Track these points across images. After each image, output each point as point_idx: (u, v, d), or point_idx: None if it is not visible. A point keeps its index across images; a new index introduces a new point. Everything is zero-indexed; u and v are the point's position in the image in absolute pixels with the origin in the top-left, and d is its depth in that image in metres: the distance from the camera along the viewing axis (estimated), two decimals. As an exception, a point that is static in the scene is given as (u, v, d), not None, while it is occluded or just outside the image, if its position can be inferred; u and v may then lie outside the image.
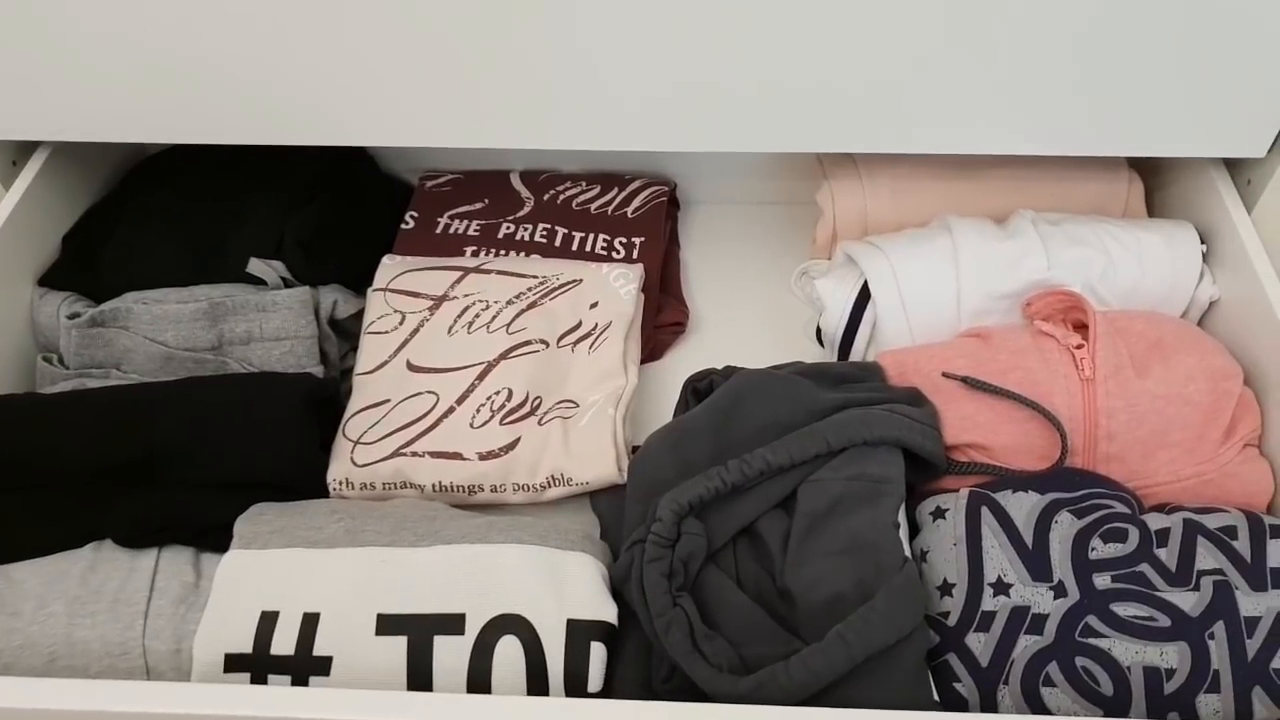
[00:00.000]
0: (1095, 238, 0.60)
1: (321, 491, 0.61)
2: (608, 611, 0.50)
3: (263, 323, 0.64)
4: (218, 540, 0.57)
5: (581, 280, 0.68)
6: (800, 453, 0.53)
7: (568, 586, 0.51)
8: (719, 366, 0.63)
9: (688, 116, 0.63)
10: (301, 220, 0.68)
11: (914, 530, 0.55)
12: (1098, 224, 0.62)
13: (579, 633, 0.49)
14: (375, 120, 0.64)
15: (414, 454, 0.61)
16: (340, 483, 0.61)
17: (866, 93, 0.61)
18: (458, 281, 0.68)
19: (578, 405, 0.63)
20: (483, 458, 0.61)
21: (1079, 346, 0.54)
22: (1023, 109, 0.61)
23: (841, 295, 0.65)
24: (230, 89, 0.62)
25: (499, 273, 0.68)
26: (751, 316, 0.75)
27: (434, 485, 0.60)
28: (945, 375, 0.58)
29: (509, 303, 0.67)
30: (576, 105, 0.62)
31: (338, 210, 0.70)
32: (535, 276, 0.68)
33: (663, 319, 0.71)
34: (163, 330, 0.63)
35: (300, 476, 0.60)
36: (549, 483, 0.60)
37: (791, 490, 0.54)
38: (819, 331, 0.71)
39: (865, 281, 0.64)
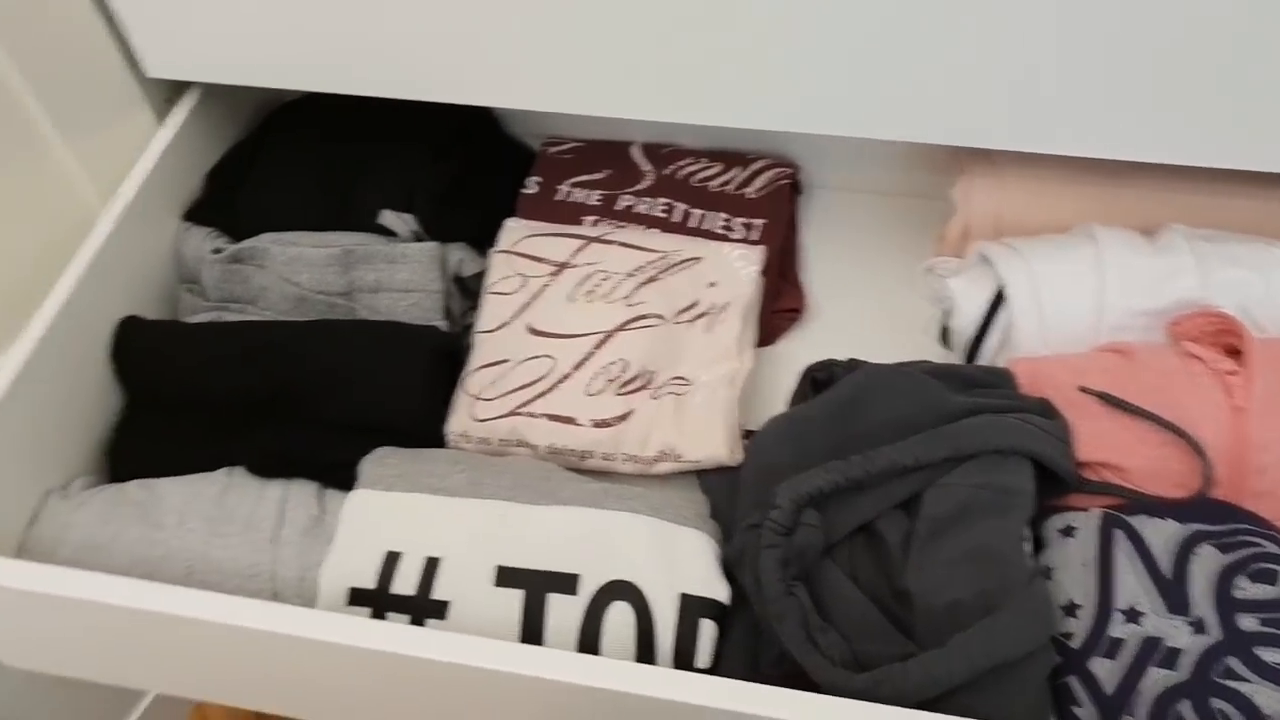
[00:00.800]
0: (1254, 260, 0.58)
1: (439, 442, 0.63)
2: (720, 590, 0.51)
3: (392, 273, 0.66)
4: (340, 478, 0.60)
5: (702, 258, 0.68)
6: (927, 455, 0.53)
7: (681, 561, 0.52)
8: (836, 357, 0.63)
9: (819, 98, 0.62)
10: (434, 177, 0.69)
11: (1037, 545, 0.54)
12: (1257, 245, 0.59)
13: (691, 608, 0.50)
14: (509, 82, 0.65)
15: (530, 414, 0.62)
16: (459, 435, 0.63)
17: (1011, 86, 0.59)
18: (580, 249, 0.69)
19: (690, 383, 0.64)
20: (596, 425, 0.62)
21: (1232, 373, 0.52)
22: (1178, 114, 0.58)
23: (975, 297, 0.64)
24: (372, 42, 0.63)
25: (621, 244, 0.69)
26: (869, 309, 0.74)
27: (548, 447, 0.62)
28: (1082, 389, 0.57)
29: (629, 275, 0.67)
30: (705, 79, 0.62)
31: (467, 169, 0.72)
32: (656, 251, 0.68)
33: (780, 304, 0.71)
34: (297, 272, 0.65)
35: (422, 425, 0.62)
36: (659, 456, 0.61)
37: (914, 492, 0.54)
38: (943, 331, 0.71)
39: (1001, 285, 0.63)
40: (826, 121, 0.64)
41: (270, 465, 0.60)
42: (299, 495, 0.59)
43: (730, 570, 0.53)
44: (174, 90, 0.71)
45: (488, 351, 0.65)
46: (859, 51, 0.59)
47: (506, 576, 0.51)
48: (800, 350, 0.70)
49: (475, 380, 0.64)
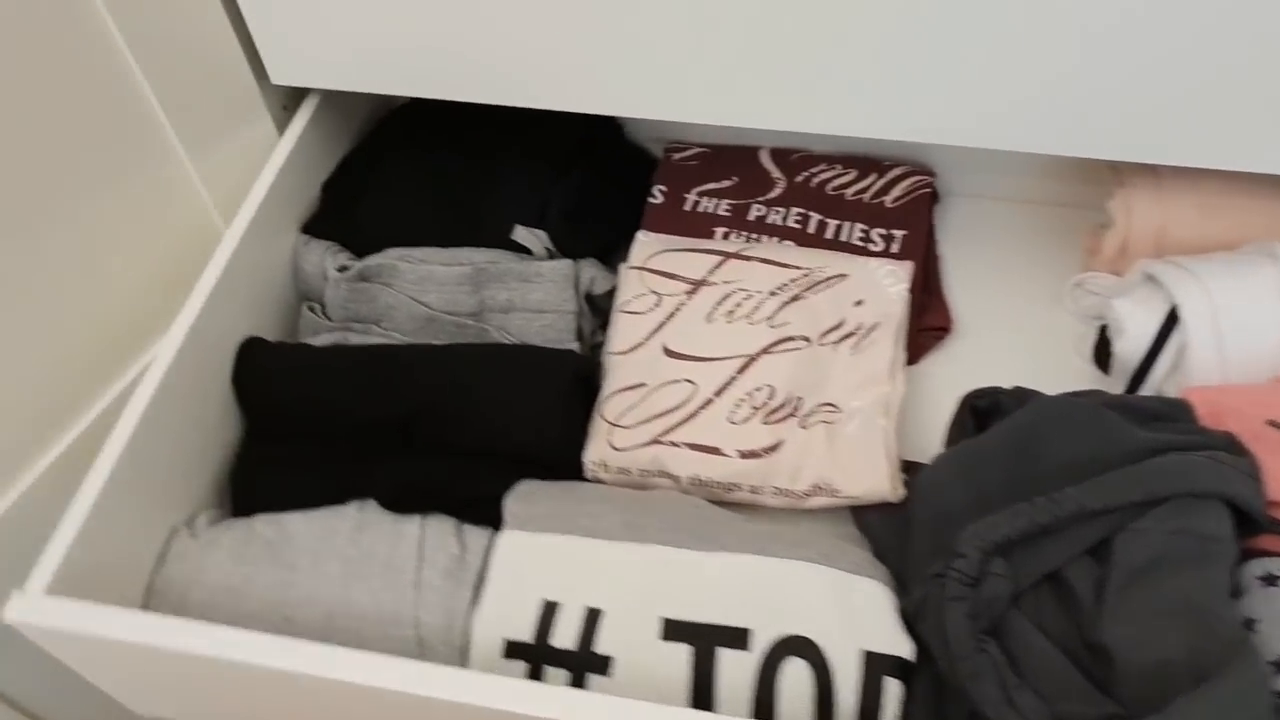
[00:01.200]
0: None
1: (576, 470, 0.60)
2: (904, 646, 0.48)
3: (525, 293, 0.63)
4: (477, 512, 0.57)
5: (848, 275, 0.64)
6: (1118, 498, 0.49)
7: (860, 614, 0.48)
8: (993, 381, 0.59)
9: (963, 108, 0.58)
10: (565, 190, 0.66)
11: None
12: None
13: (874, 666, 0.47)
14: (638, 91, 0.61)
15: (672, 443, 0.59)
16: (597, 465, 0.59)
17: (1173, 98, 0.55)
18: (717, 266, 0.65)
19: (840, 410, 0.60)
20: (743, 455, 0.58)
21: None
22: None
23: (1144, 320, 0.60)
24: (498, 49, 0.60)
25: (761, 260, 0.65)
26: (1013, 325, 0.70)
27: (690, 478, 0.59)
28: (1271, 423, 0.53)
29: (771, 294, 0.63)
30: (839, 88, 0.58)
31: (595, 179, 0.68)
32: (799, 268, 0.64)
33: (926, 322, 0.67)
34: (426, 291, 0.63)
35: (562, 454, 0.59)
36: (812, 490, 0.58)
37: (1102, 537, 0.50)
38: (1096, 351, 0.66)
39: (1174, 307, 0.59)
40: (981, 135, 0.60)
41: (404, 499, 0.57)
42: (437, 532, 0.56)
43: (909, 622, 0.49)
44: (290, 98, 0.68)
45: (623, 374, 0.62)
46: (1006, 61, 0.55)
47: (674, 630, 0.48)
48: (945, 370, 0.66)
49: (612, 406, 0.61)
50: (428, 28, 0.59)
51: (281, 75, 0.64)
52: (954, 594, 0.48)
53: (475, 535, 0.57)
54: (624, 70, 0.60)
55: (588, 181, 0.67)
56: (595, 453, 0.60)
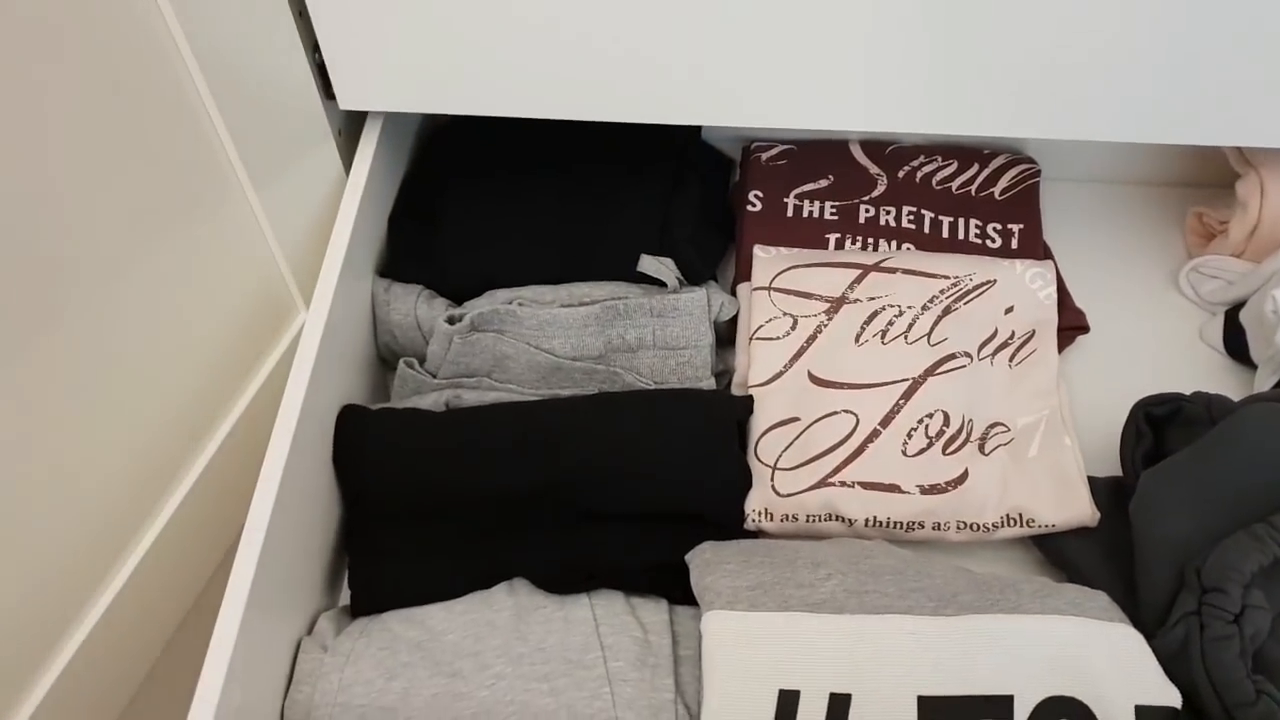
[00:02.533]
0: None
1: (737, 522, 0.54)
2: (1173, 695, 0.44)
3: (657, 329, 0.56)
4: (643, 580, 0.51)
5: (995, 281, 0.60)
6: (1367, 510, 0.47)
7: (1124, 665, 0.45)
8: (1111, 373, 0.59)
9: (1062, 100, 0.54)
10: (683, 208, 0.59)
11: None
12: None
13: (1149, 721, 0.43)
14: (722, 99, 0.55)
15: (842, 483, 0.54)
16: (759, 513, 0.54)
17: None
18: (857, 281, 0.60)
19: (1009, 429, 0.56)
20: (925, 491, 0.54)
21: None
22: None
23: (1315, 309, 0.57)
24: (574, 61, 0.53)
25: (905, 271, 0.60)
26: (1130, 315, 0.67)
27: (867, 520, 0.53)
28: None
29: (924, 308, 0.59)
30: (941, 87, 0.53)
31: (708, 194, 0.62)
32: (947, 277, 0.60)
33: (1062, 322, 0.64)
34: (550, 337, 0.55)
35: (732, 508, 0.53)
36: (1003, 522, 0.53)
37: (1350, 553, 0.47)
38: (1228, 340, 0.64)
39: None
40: (1095, 128, 0.56)
41: (562, 577, 0.51)
42: (611, 614, 0.50)
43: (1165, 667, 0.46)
44: (345, 123, 0.59)
45: (771, 409, 0.56)
46: (1111, 49, 0.51)
47: (932, 708, 0.43)
48: (1072, 368, 0.63)
49: (767, 446, 0.55)
50: (499, 45, 0.52)
51: (350, 99, 0.55)
52: (1220, 633, 0.44)
53: (649, 610, 0.51)
54: (711, 78, 0.54)
55: (708, 193, 0.61)
56: (758, 500, 0.54)
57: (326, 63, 0.53)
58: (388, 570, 0.52)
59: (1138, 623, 0.47)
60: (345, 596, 0.54)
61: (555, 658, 0.48)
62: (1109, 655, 0.44)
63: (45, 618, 0.46)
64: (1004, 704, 0.44)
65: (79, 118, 0.41)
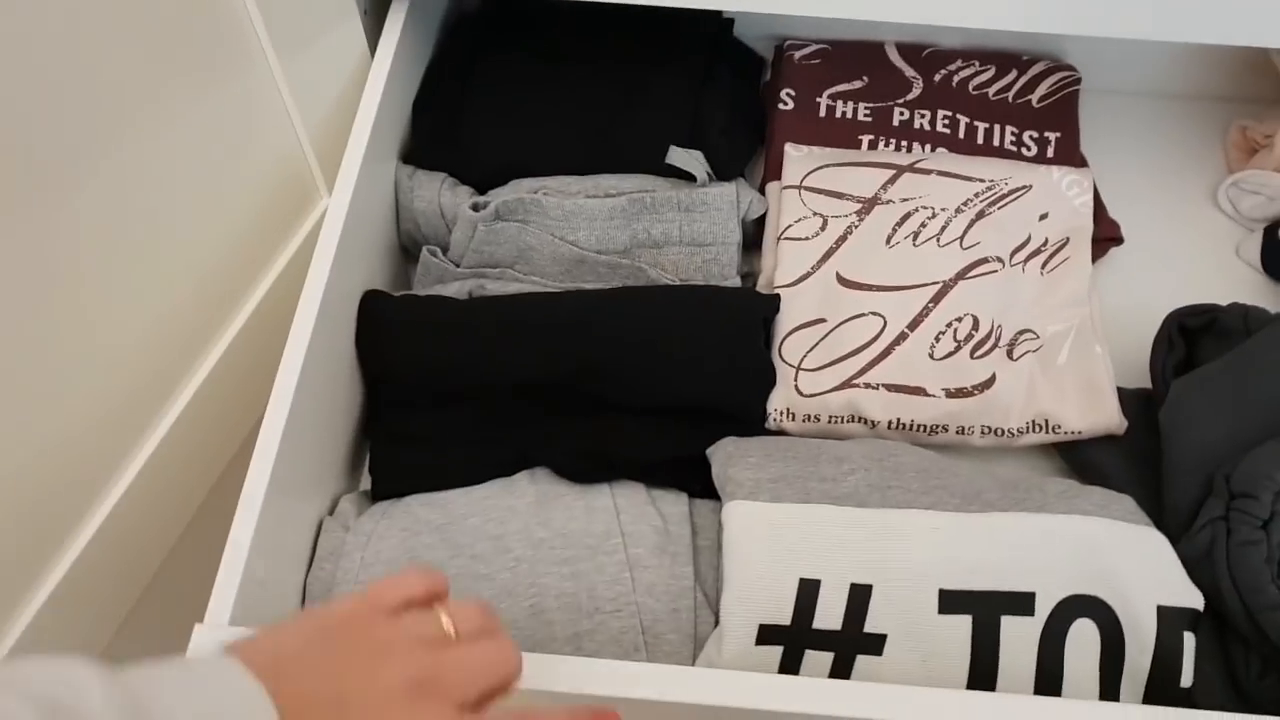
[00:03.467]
0: None
1: (759, 420, 0.54)
2: (1195, 597, 0.44)
3: (684, 224, 0.55)
4: (663, 474, 0.51)
5: (1031, 186, 0.58)
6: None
7: (1147, 567, 0.44)
8: (1143, 285, 0.59)
9: None
10: (714, 100, 0.57)
11: None
12: None
13: (1170, 621, 0.43)
14: None
15: (867, 385, 0.53)
16: (781, 413, 0.53)
17: None
18: (890, 182, 0.58)
19: (1038, 336, 0.55)
20: (950, 395, 0.53)
21: None
22: None
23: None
24: None
25: (940, 174, 0.58)
26: (1167, 229, 0.66)
27: (890, 422, 0.53)
28: None
29: (958, 211, 0.57)
30: None
31: (736, 92, 0.60)
32: (983, 180, 0.58)
33: (1096, 233, 0.62)
34: (574, 228, 0.54)
35: (754, 405, 0.53)
36: (1028, 428, 0.53)
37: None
38: (1266, 257, 0.63)
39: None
40: (1131, 25, 0.54)
41: (585, 467, 0.50)
42: (631, 503, 0.49)
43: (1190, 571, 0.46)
44: (371, 3, 0.57)
45: (797, 310, 0.56)
46: None
47: (952, 601, 0.43)
48: (1106, 280, 0.61)
49: (792, 346, 0.55)
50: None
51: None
52: (1247, 538, 0.44)
53: (669, 502, 0.51)
54: None
55: (739, 91, 0.59)
56: (780, 399, 0.54)
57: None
58: (408, 456, 0.53)
59: (1161, 529, 0.47)
60: (366, 481, 0.55)
61: (576, 543, 0.48)
62: (1133, 556, 0.44)
63: (72, 486, 0.47)
64: (1025, 600, 0.44)
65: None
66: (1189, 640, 0.43)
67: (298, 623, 0.33)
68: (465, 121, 0.58)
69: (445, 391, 0.52)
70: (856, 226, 0.57)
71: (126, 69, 0.43)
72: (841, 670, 0.44)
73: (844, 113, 0.64)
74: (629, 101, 0.57)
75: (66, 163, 0.41)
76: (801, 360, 0.54)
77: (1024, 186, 0.58)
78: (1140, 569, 0.44)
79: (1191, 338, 0.55)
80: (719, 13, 0.62)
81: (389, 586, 0.34)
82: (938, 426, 0.53)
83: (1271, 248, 0.63)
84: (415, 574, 0.35)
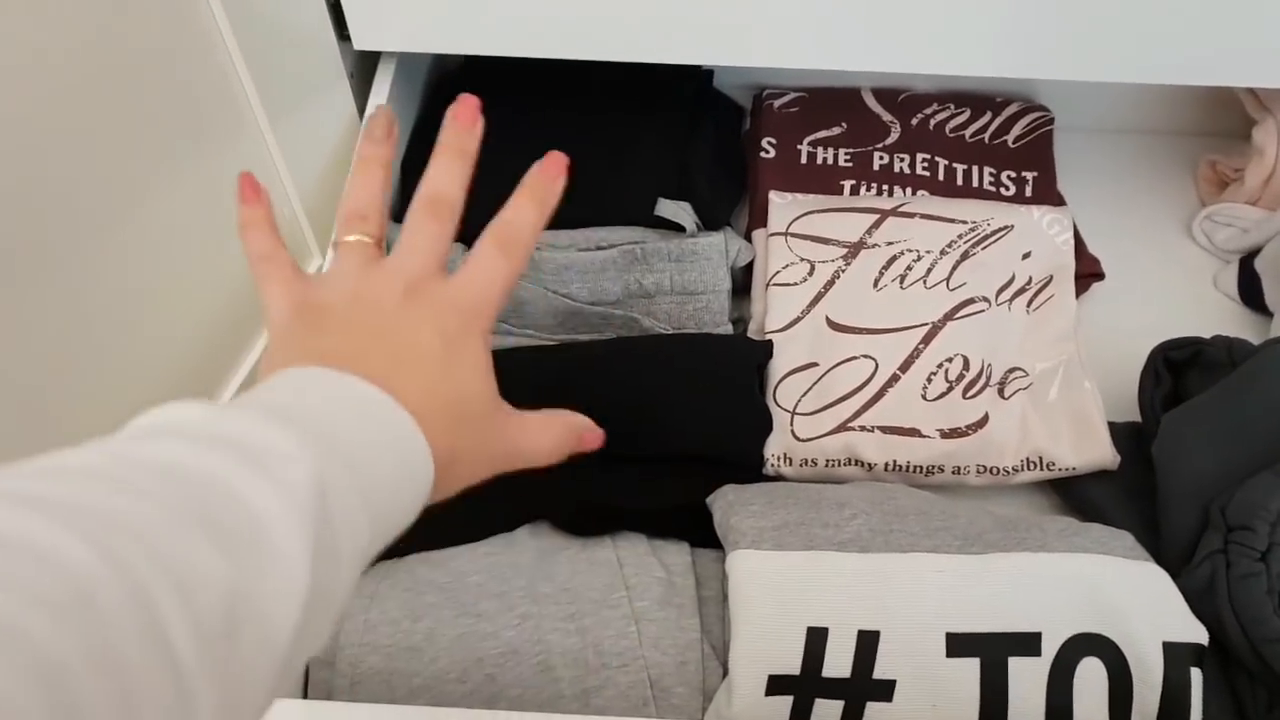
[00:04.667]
0: None
1: (756, 465, 0.54)
2: (1200, 632, 0.44)
3: (675, 274, 0.55)
4: (663, 523, 0.51)
5: (1013, 226, 0.60)
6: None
7: (1152, 603, 0.45)
8: (1125, 320, 0.59)
9: (1078, 41, 0.53)
10: (698, 150, 0.58)
11: None
12: None
13: (1178, 658, 0.44)
14: (733, 38, 0.54)
15: (861, 428, 0.54)
16: (779, 458, 0.54)
17: None
18: (875, 226, 0.59)
19: (1027, 374, 0.56)
20: (945, 435, 0.54)
21: None
22: None
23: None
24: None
25: (923, 216, 0.59)
26: (1145, 264, 0.67)
27: (886, 464, 0.53)
28: None
29: (942, 253, 0.58)
30: (945, 26, 0.53)
31: (723, 137, 0.61)
32: (965, 222, 0.59)
33: (1077, 269, 0.63)
34: (568, 281, 0.55)
35: (752, 452, 0.53)
36: (1024, 466, 0.54)
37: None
38: (1243, 287, 0.64)
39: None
40: (1102, 68, 0.56)
41: (585, 519, 0.50)
42: (634, 555, 0.49)
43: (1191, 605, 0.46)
44: (356, 65, 0.58)
45: (789, 354, 0.56)
46: None
47: (960, 644, 0.43)
48: (1087, 314, 0.62)
49: (786, 391, 0.55)
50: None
51: (364, 39, 0.54)
52: (1247, 570, 0.45)
53: (671, 552, 0.50)
54: (723, 17, 0.53)
55: (720, 140, 0.60)
56: (777, 445, 0.54)
57: (341, 1, 0.51)
58: (407, 516, 0.52)
59: (1160, 563, 0.48)
60: (364, 543, 0.54)
61: (580, 598, 0.48)
62: (1136, 593, 0.45)
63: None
64: (1032, 641, 0.44)
65: (98, 48, 0.40)
66: (1196, 676, 0.44)
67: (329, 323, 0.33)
68: (454, 179, 0.58)
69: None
70: (844, 271, 0.58)
71: (125, 139, 0.43)
72: (852, 718, 0.43)
73: (825, 159, 0.66)
74: (616, 155, 0.58)
75: (67, 236, 0.41)
76: (796, 405, 0.55)
77: (1006, 227, 0.59)
78: (1144, 606, 0.44)
79: (1177, 370, 0.55)
80: (699, 65, 0.63)
81: (273, 271, 0.35)
82: (934, 467, 0.54)
83: (1247, 278, 0.65)
84: (254, 241, 0.37)
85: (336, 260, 0.35)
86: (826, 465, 0.54)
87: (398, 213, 0.59)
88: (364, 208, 0.36)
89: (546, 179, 0.39)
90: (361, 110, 0.57)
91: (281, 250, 0.36)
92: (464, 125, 0.38)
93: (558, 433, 0.36)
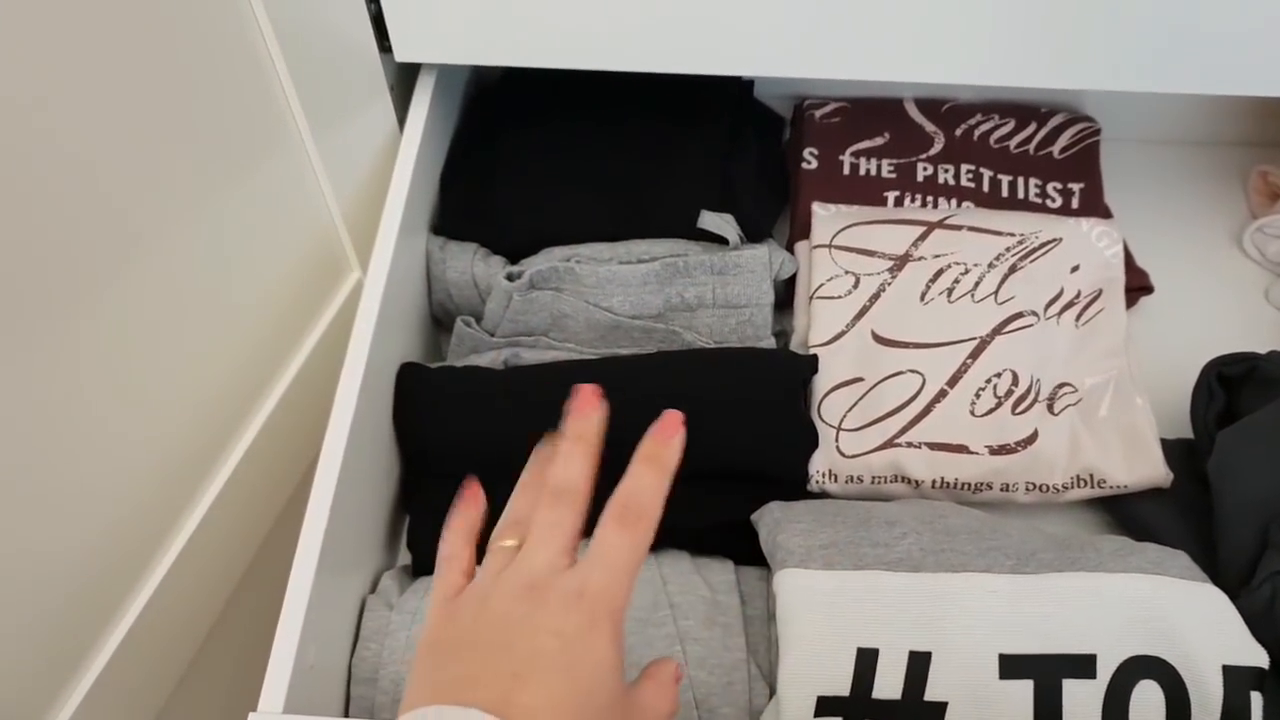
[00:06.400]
0: None
1: (800, 481, 0.53)
2: (1259, 655, 0.43)
3: (717, 287, 0.55)
4: (706, 540, 0.51)
5: (1061, 239, 0.59)
6: None
7: (1210, 625, 0.44)
8: (1174, 334, 0.58)
9: (1121, 49, 0.52)
10: (742, 163, 0.58)
11: None
12: None
13: (1238, 681, 0.42)
14: (779, 48, 0.53)
15: (909, 444, 0.53)
16: (824, 474, 0.53)
17: None
18: (921, 239, 0.58)
19: (1076, 390, 0.55)
20: (994, 452, 0.53)
21: None
22: None
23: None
24: (630, 13, 0.51)
25: (970, 229, 0.58)
26: (1195, 277, 0.66)
27: (934, 481, 0.53)
28: None
29: (990, 266, 0.57)
30: (991, 36, 0.52)
31: (761, 151, 0.60)
32: (1014, 235, 0.58)
33: (1126, 282, 0.62)
34: (609, 295, 0.54)
35: (797, 468, 0.52)
36: (1074, 483, 0.52)
37: None
38: (1297, 300, 0.63)
39: None
40: (1149, 79, 0.54)
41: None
42: (677, 573, 0.49)
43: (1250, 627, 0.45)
44: (397, 78, 0.58)
45: (834, 369, 0.55)
46: None
47: (1012, 666, 0.42)
48: (1142, 331, 0.61)
49: (831, 406, 0.54)
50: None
51: (405, 50, 0.54)
52: (1309, 593, 0.43)
53: (715, 570, 0.50)
54: (765, 27, 0.52)
55: (761, 151, 0.59)
56: (822, 462, 0.53)
57: (384, 13, 0.51)
58: (441, 528, 0.52)
59: (1217, 583, 0.46)
60: (404, 555, 0.54)
61: (629, 617, 0.47)
62: (1194, 614, 0.44)
63: (110, 575, 0.46)
64: (1087, 662, 0.43)
65: (146, 64, 0.40)
66: (1256, 700, 0.42)
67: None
68: (494, 191, 0.58)
69: (485, 463, 0.51)
70: (890, 284, 0.57)
71: (172, 154, 0.43)
72: (903, 741, 0.43)
73: (868, 170, 0.65)
74: (657, 167, 0.58)
75: (112, 251, 0.41)
76: (841, 420, 0.54)
77: (1054, 239, 0.58)
78: (1202, 628, 0.43)
79: (1231, 386, 0.54)
80: (739, 76, 0.63)
81: (442, 576, 0.37)
82: (982, 484, 0.53)
83: (1301, 291, 0.63)
84: (448, 541, 0.39)
85: (485, 566, 0.37)
86: (872, 482, 0.53)
87: (437, 227, 0.59)
88: (523, 517, 0.38)
89: (662, 440, 0.39)
90: (401, 122, 0.57)
91: (465, 553, 0.39)
92: (584, 414, 0.39)
93: (667, 691, 0.37)
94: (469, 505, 0.40)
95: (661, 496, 0.37)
